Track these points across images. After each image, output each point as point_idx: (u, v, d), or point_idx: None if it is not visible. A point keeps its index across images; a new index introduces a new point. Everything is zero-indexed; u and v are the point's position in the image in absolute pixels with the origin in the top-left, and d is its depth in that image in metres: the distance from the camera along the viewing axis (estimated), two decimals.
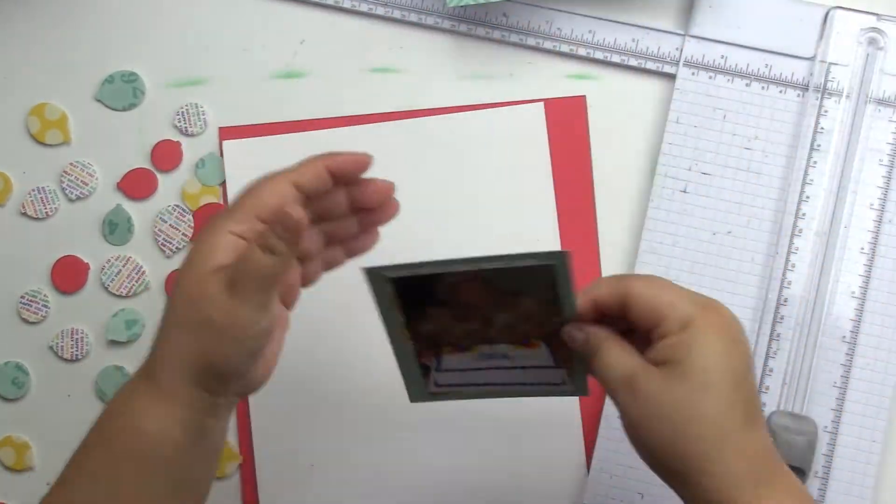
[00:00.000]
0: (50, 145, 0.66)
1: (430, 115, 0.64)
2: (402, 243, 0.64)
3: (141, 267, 0.65)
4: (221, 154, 0.65)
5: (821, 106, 0.61)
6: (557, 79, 0.64)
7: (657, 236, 0.61)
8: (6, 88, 0.66)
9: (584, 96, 0.63)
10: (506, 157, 0.63)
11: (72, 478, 0.50)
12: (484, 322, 0.51)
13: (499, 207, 0.63)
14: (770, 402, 0.60)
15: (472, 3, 0.62)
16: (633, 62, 0.63)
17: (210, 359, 0.48)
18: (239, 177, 0.64)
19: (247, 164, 0.64)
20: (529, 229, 0.63)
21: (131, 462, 0.49)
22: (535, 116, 0.63)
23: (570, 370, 0.52)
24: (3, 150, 0.66)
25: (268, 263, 0.47)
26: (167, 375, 0.48)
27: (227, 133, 0.65)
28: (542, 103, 0.63)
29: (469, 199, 0.64)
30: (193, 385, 0.48)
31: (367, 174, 0.52)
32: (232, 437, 0.64)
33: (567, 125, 0.63)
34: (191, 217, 0.65)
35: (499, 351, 0.52)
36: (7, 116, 0.66)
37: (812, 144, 0.61)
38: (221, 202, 0.65)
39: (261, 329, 0.48)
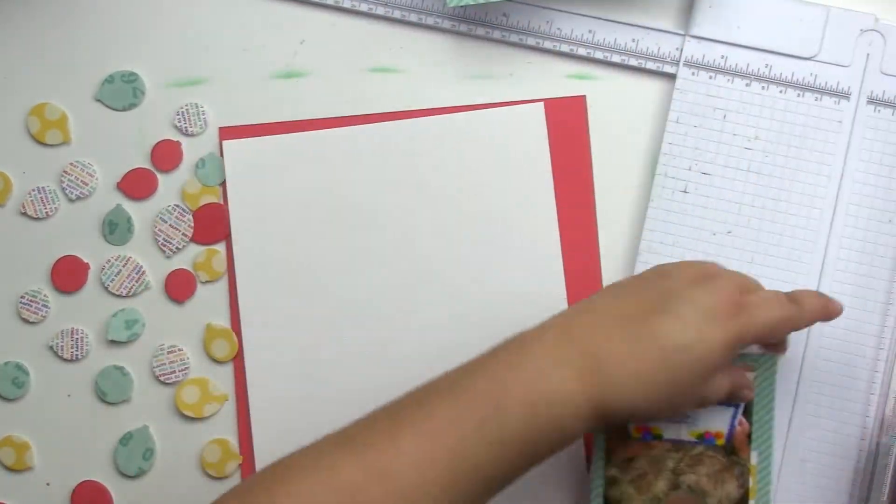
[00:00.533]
0: (50, 145, 0.66)
1: (429, 115, 0.64)
2: (400, 243, 0.64)
3: (141, 267, 0.65)
4: (221, 154, 0.65)
5: (821, 106, 0.61)
6: (557, 79, 0.64)
7: (657, 236, 0.61)
8: (6, 88, 0.66)
9: (583, 96, 0.63)
10: (506, 157, 0.63)
11: (468, 419, 0.48)
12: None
13: (499, 207, 0.63)
14: None
15: (472, 2, 0.62)
16: (633, 62, 0.63)
17: (649, 412, 0.50)
18: (239, 177, 0.64)
19: (247, 164, 0.64)
20: (529, 229, 0.63)
21: (539, 449, 0.48)
22: (535, 116, 0.63)
23: None
24: (3, 150, 0.66)
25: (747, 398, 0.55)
26: (614, 404, 0.49)
27: (227, 133, 0.65)
28: (541, 103, 0.64)
29: (468, 199, 0.64)
30: (617, 419, 0.50)
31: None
32: (232, 437, 0.64)
33: (567, 125, 0.63)
34: (191, 217, 0.65)
35: None
36: (7, 116, 0.66)
37: (812, 145, 0.61)
38: (221, 202, 0.65)
39: None
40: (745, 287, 0.53)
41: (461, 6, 0.63)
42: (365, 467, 0.47)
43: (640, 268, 0.61)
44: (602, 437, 0.57)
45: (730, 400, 0.55)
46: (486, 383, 0.49)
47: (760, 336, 0.52)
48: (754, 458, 0.57)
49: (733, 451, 0.57)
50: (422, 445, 0.47)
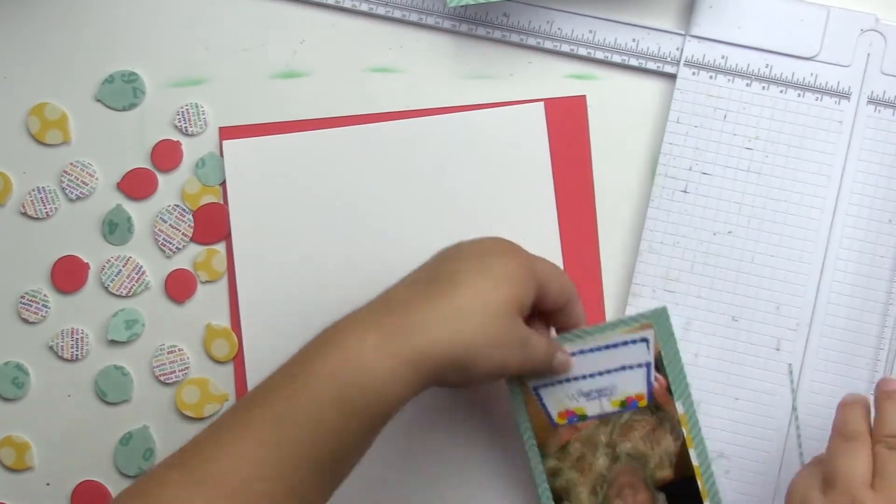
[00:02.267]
0: (50, 145, 0.66)
1: (429, 114, 0.64)
2: (400, 242, 0.64)
3: (141, 267, 0.65)
4: (221, 154, 0.65)
5: (821, 106, 0.61)
6: (557, 78, 0.64)
7: (658, 236, 0.61)
8: (6, 88, 0.66)
9: (584, 96, 0.63)
10: (506, 157, 0.63)
11: (281, 407, 0.49)
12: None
13: (499, 207, 0.63)
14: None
15: (472, 2, 0.62)
16: (633, 62, 0.63)
17: (472, 363, 0.50)
18: (239, 177, 0.64)
19: (247, 164, 0.64)
20: (530, 229, 0.63)
21: (358, 418, 0.49)
22: (535, 116, 0.63)
23: None
24: (3, 150, 0.66)
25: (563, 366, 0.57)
26: (425, 350, 0.49)
27: (227, 133, 0.65)
28: (542, 103, 0.63)
29: (469, 198, 0.64)
30: (437, 370, 0.50)
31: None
32: None
33: (567, 125, 0.63)
34: (191, 217, 0.65)
35: None
36: (7, 116, 0.66)
37: (812, 145, 0.61)
38: (221, 202, 0.65)
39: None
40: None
41: (461, 6, 0.63)
42: (186, 478, 0.47)
43: (640, 268, 0.61)
44: (530, 433, 0.58)
45: (550, 371, 0.57)
46: (297, 367, 0.50)
47: (546, 283, 0.54)
48: (680, 408, 0.57)
49: (658, 408, 0.57)
50: (241, 441, 0.48)
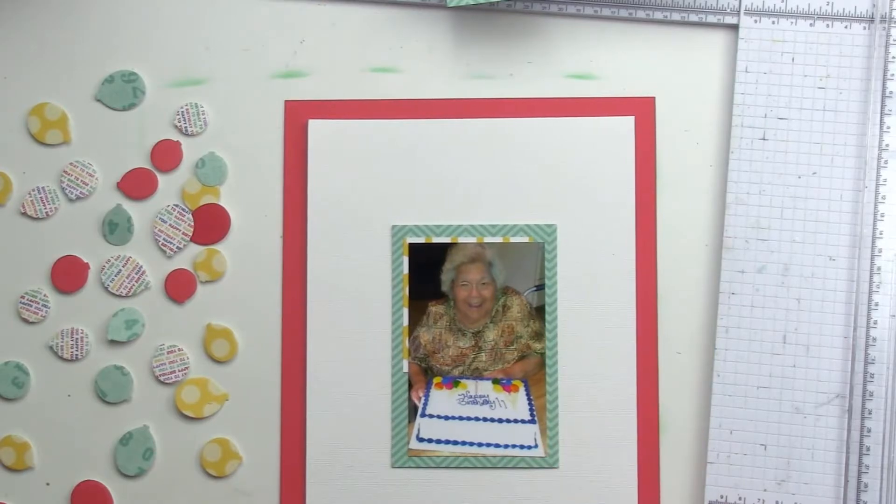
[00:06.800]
0: (50, 145, 0.66)
1: (515, 116, 0.64)
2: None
3: (141, 267, 0.65)
4: (307, 136, 0.65)
5: (888, 35, 0.61)
6: (557, 79, 0.64)
7: (743, 187, 0.62)
8: (6, 88, 0.66)
9: (653, 98, 0.63)
10: (591, 165, 0.63)
11: None
12: (475, 339, 0.61)
13: (577, 210, 0.64)
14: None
15: (472, 3, 0.62)
16: (693, 18, 0.63)
17: None
18: (321, 156, 0.64)
19: (330, 146, 0.64)
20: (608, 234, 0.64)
21: None
22: (625, 129, 0.63)
23: (542, 428, 0.61)
24: (3, 150, 0.66)
25: None
26: None
27: (314, 110, 0.64)
28: (632, 117, 0.63)
29: (550, 205, 0.64)
30: None
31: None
32: (232, 437, 0.64)
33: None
34: (191, 217, 0.65)
35: (482, 392, 0.62)
36: (7, 116, 0.66)
37: (885, 75, 0.61)
38: (221, 203, 0.65)
39: None
40: None
41: (460, 6, 0.63)
42: None
43: (730, 220, 0.61)
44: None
45: None
46: None
47: None
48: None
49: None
50: None
